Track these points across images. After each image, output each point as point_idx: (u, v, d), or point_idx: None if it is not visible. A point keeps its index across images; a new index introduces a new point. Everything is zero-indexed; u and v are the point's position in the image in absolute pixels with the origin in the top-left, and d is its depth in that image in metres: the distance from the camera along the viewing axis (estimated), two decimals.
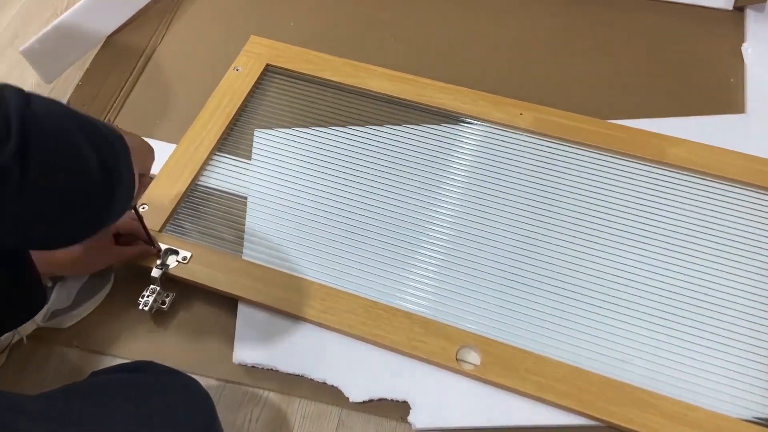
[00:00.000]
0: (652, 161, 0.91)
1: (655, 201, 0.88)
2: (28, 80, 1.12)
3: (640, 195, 0.88)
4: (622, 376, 0.75)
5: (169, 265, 0.85)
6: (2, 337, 0.80)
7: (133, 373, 0.69)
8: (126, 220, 0.82)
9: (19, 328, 0.80)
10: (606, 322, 0.79)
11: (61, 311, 0.82)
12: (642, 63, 1.06)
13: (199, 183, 0.94)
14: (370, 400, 0.78)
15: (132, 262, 0.85)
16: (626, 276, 0.82)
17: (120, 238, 0.83)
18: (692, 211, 0.86)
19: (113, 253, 0.83)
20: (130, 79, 1.09)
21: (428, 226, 0.88)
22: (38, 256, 0.68)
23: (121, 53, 1.12)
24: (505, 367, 0.76)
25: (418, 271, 0.84)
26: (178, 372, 0.70)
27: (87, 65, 1.11)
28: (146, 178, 0.73)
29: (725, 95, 1.01)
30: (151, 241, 0.84)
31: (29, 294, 0.71)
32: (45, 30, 1.03)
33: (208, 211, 0.92)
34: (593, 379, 0.74)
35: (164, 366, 0.71)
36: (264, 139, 0.98)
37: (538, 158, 0.93)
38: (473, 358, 0.77)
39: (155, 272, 0.84)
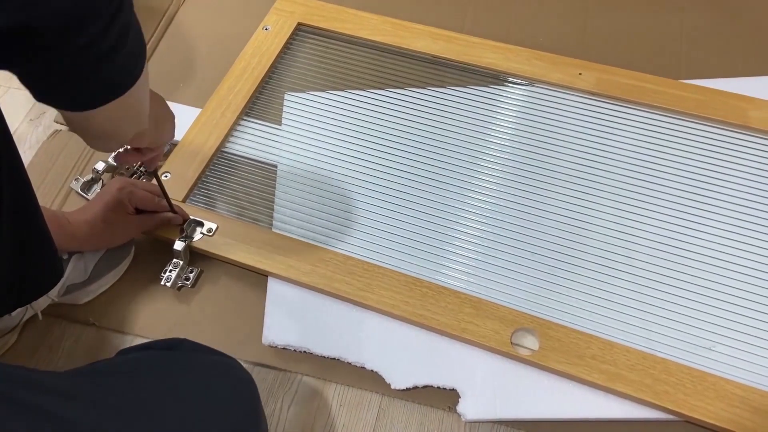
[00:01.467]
0: (733, 125, 0.81)
1: (737, 170, 0.78)
2: None
3: (720, 164, 0.78)
4: (704, 365, 0.66)
5: (193, 238, 0.78)
6: (14, 313, 0.74)
7: (166, 350, 0.62)
8: (146, 195, 0.76)
9: (32, 303, 0.73)
10: (684, 303, 0.70)
11: (77, 286, 0.76)
12: (718, 15, 0.95)
13: (226, 150, 0.86)
14: (414, 388, 0.70)
15: (154, 233, 0.78)
16: (707, 252, 0.73)
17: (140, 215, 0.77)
18: None
19: (133, 223, 0.76)
20: (152, 40, 1.01)
21: (475, 197, 0.79)
22: (56, 231, 0.61)
23: (142, 12, 1.04)
24: (567, 353, 0.67)
25: (467, 246, 0.76)
26: (216, 351, 0.63)
27: None
28: (163, 146, 0.68)
29: None
30: (174, 211, 0.77)
31: (45, 266, 0.65)
32: None
33: (235, 180, 0.84)
34: (671, 368, 0.65)
35: (200, 344, 0.63)
36: (295, 103, 0.90)
37: (600, 123, 0.83)
38: (530, 342, 0.69)
39: (178, 245, 0.76)
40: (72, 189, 0.86)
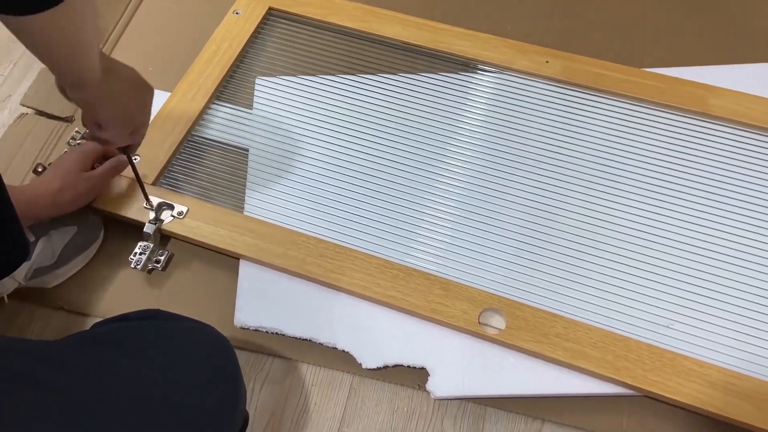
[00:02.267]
0: (693, 113, 0.83)
1: (697, 156, 0.80)
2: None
3: (680, 149, 0.81)
4: (663, 342, 0.68)
5: (163, 220, 0.77)
6: None
7: (140, 321, 0.63)
8: (100, 145, 0.76)
9: None
10: (644, 283, 0.72)
11: (45, 269, 0.75)
12: (681, 6, 0.97)
13: (196, 134, 0.86)
14: (385, 367, 0.71)
15: (123, 214, 0.78)
16: (665, 235, 0.75)
17: None
18: (738, 167, 0.79)
19: (85, 180, 0.75)
20: (120, 23, 1.00)
21: (445, 181, 0.81)
22: (18, 198, 0.60)
23: None
24: (532, 331, 0.69)
25: (437, 229, 0.77)
26: (188, 318, 0.63)
27: None
28: (146, 124, 0.68)
29: None
30: (146, 194, 0.77)
31: (10, 243, 0.64)
32: None
33: (207, 163, 0.84)
34: (631, 345, 0.68)
35: (172, 313, 0.64)
36: (266, 88, 0.90)
37: (565, 109, 0.85)
38: (498, 322, 0.71)
39: (148, 228, 0.76)
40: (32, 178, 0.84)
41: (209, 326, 0.63)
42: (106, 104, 0.61)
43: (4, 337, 0.55)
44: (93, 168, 0.77)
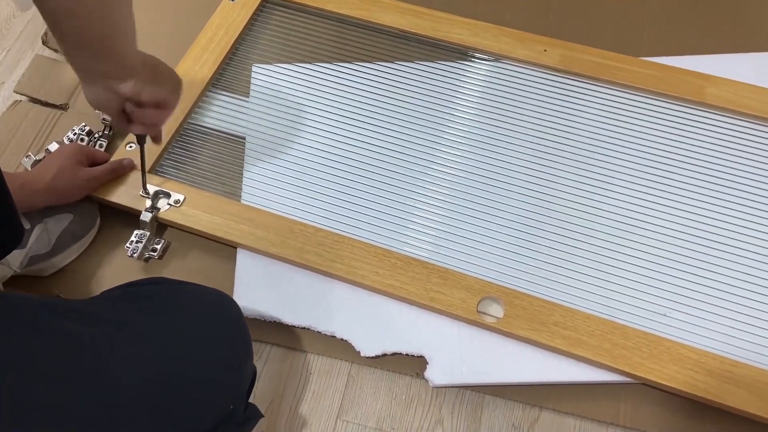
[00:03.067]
0: (690, 102, 0.83)
1: (693, 144, 0.81)
2: (4, 10, 1.02)
3: (677, 138, 0.81)
4: (660, 330, 0.69)
5: (159, 209, 0.77)
6: None
7: (149, 285, 0.65)
8: (101, 152, 0.79)
9: None
10: (642, 272, 0.73)
11: (41, 257, 0.75)
12: None
13: (193, 122, 0.86)
14: (383, 355, 0.71)
15: (117, 203, 0.77)
16: (663, 223, 0.75)
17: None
18: (734, 156, 0.80)
19: (82, 172, 0.75)
20: None
21: (443, 170, 0.81)
22: (12, 183, 0.60)
23: None
24: (530, 320, 0.69)
25: (435, 218, 0.77)
26: (195, 283, 0.66)
27: None
28: (170, 112, 0.68)
29: None
30: (144, 182, 0.76)
31: (3, 227, 0.63)
32: None
33: (203, 151, 0.84)
34: (628, 333, 0.68)
35: (178, 280, 0.67)
36: (263, 75, 0.89)
37: (563, 98, 0.85)
38: (496, 310, 0.71)
39: (145, 216, 0.76)
40: (23, 166, 0.83)
41: (214, 288, 0.65)
42: (147, 83, 0.61)
43: (20, 294, 0.57)
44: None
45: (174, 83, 0.66)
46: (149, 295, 0.62)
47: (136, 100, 0.62)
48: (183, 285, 0.66)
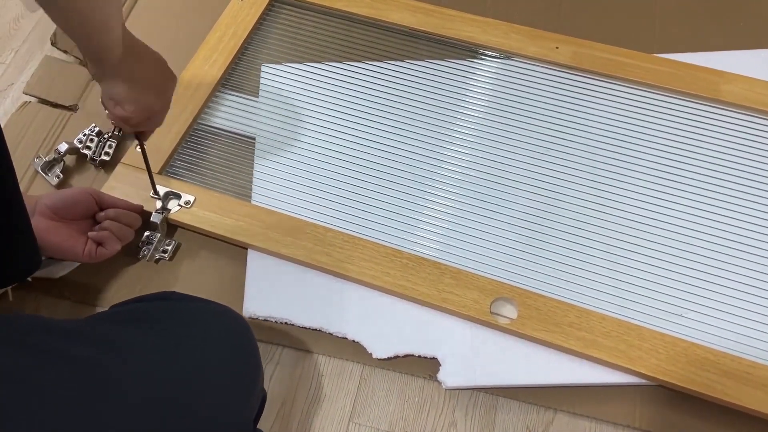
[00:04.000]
0: (704, 98, 0.82)
1: (708, 142, 0.79)
2: (12, 11, 1.02)
3: (691, 135, 0.80)
4: (677, 331, 0.68)
5: (170, 210, 0.77)
6: None
7: (157, 301, 0.63)
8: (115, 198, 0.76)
9: None
10: (657, 272, 0.72)
11: (52, 259, 0.74)
12: None
13: (202, 122, 0.85)
14: (396, 357, 0.70)
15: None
16: (678, 223, 0.74)
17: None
18: (750, 153, 0.78)
19: (82, 230, 0.72)
20: (123, 11, 0.99)
21: (455, 169, 0.80)
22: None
23: None
24: (544, 321, 0.68)
25: (447, 218, 0.76)
26: (204, 299, 0.64)
27: None
28: (164, 112, 0.68)
29: None
30: (154, 185, 0.76)
31: (24, 251, 0.65)
32: None
33: (213, 152, 0.83)
34: (644, 334, 0.67)
35: (187, 294, 0.65)
36: (272, 75, 0.89)
37: (575, 95, 0.84)
38: (509, 311, 0.70)
39: (155, 217, 0.76)
40: (33, 167, 0.83)
41: (224, 306, 0.63)
42: (123, 82, 0.61)
43: (28, 316, 0.56)
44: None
45: (158, 88, 0.66)
46: (156, 315, 0.59)
47: (110, 97, 0.62)
48: (191, 302, 0.63)
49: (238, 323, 0.62)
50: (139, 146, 0.73)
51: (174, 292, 0.65)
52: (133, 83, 0.62)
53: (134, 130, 0.68)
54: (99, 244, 0.72)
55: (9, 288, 0.73)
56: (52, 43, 0.95)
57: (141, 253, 0.75)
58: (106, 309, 0.74)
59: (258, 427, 0.63)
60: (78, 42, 0.58)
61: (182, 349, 0.55)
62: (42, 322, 0.56)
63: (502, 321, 0.69)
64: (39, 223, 0.69)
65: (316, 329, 0.72)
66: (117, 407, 0.50)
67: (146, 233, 0.76)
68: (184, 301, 0.63)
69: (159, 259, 0.77)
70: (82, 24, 0.54)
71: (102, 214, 0.73)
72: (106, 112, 0.65)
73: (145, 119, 0.66)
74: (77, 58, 0.94)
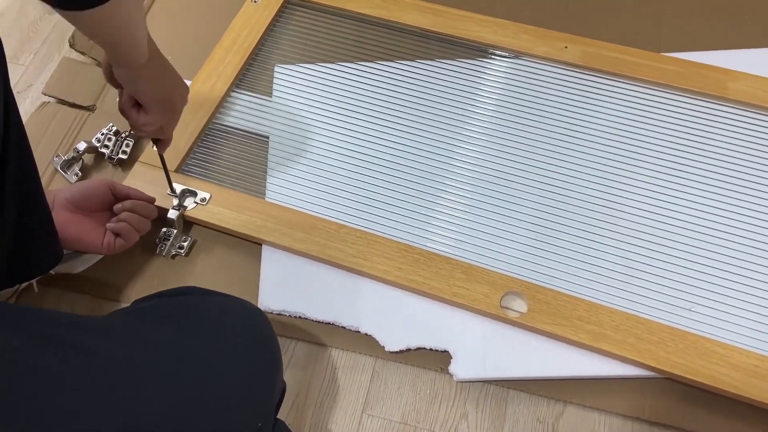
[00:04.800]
0: (711, 97, 0.83)
1: (715, 139, 0.81)
2: (31, 14, 1.04)
3: (699, 133, 0.81)
4: (685, 325, 0.69)
5: (186, 207, 0.78)
6: None
7: (178, 296, 0.64)
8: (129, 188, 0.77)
9: None
10: (666, 266, 0.73)
11: (72, 255, 0.76)
12: None
13: (217, 121, 0.87)
14: (408, 350, 0.72)
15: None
16: (686, 218, 0.75)
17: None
18: (757, 150, 0.79)
19: (101, 222, 0.74)
20: None
21: (465, 166, 0.81)
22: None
23: None
24: (554, 314, 0.70)
25: (457, 214, 0.78)
26: (223, 293, 0.65)
27: None
28: (177, 118, 0.70)
29: None
30: (171, 184, 0.78)
31: (46, 245, 0.67)
32: None
33: (228, 150, 0.85)
34: (653, 328, 0.68)
35: (207, 289, 0.66)
36: (285, 75, 0.91)
37: (584, 95, 0.85)
38: (519, 305, 0.71)
39: (172, 213, 0.77)
40: (53, 166, 0.85)
41: (243, 300, 0.64)
42: (149, 83, 0.63)
43: (51, 311, 0.57)
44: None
45: (177, 93, 0.68)
46: (178, 310, 0.61)
47: (135, 101, 0.65)
48: (211, 297, 0.64)
49: (259, 317, 0.63)
50: (155, 146, 0.75)
51: (194, 287, 0.66)
52: (157, 83, 0.64)
53: (154, 135, 0.70)
54: (117, 235, 0.74)
55: (34, 281, 0.75)
56: (71, 45, 0.97)
57: (158, 249, 0.77)
58: (125, 304, 0.76)
59: (277, 417, 0.64)
60: (106, 49, 0.60)
61: (206, 343, 0.56)
62: (68, 318, 0.58)
63: (512, 315, 0.70)
64: (59, 216, 0.71)
65: (329, 323, 0.73)
66: (143, 401, 0.51)
67: (163, 230, 0.78)
68: (205, 295, 0.64)
69: (175, 255, 0.78)
70: (111, 35, 0.56)
71: (119, 205, 0.75)
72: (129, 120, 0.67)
73: (166, 121, 0.68)
74: (95, 59, 0.96)
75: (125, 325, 0.57)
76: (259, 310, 0.64)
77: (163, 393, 0.51)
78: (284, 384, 0.64)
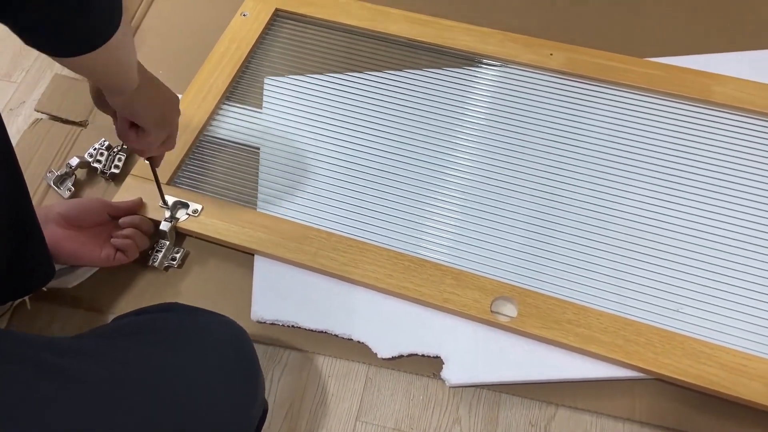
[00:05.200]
0: (696, 101, 0.84)
1: (701, 143, 0.82)
2: None
3: (685, 137, 0.82)
4: (672, 326, 0.70)
5: (179, 219, 0.79)
6: None
7: (159, 313, 0.64)
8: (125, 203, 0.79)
9: None
10: (652, 269, 0.73)
11: (65, 270, 0.77)
12: None
13: (208, 133, 0.88)
14: (400, 356, 0.72)
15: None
16: (672, 220, 0.76)
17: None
18: (742, 153, 0.80)
19: (98, 236, 0.76)
20: (131, 26, 1.02)
21: (454, 174, 0.82)
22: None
23: None
24: (544, 318, 0.70)
25: (446, 221, 0.79)
26: (206, 310, 0.65)
27: None
28: (175, 133, 0.70)
29: None
30: (163, 196, 0.78)
31: (38, 262, 0.68)
32: None
33: (219, 162, 0.86)
34: (641, 329, 0.69)
35: (190, 306, 0.65)
36: (275, 87, 0.92)
37: (570, 101, 0.87)
38: (509, 310, 0.72)
39: (164, 225, 0.78)
40: (45, 182, 0.86)
41: (226, 318, 0.64)
42: (143, 105, 0.63)
43: (26, 334, 0.57)
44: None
45: (171, 110, 0.68)
46: (157, 328, 0.60)
47: (132, 125, 0.65)
48: (193, 314, 0.64)
49: (240, 336, 0.62)
50: (149, 161, 0.76)
51: (176, 303, 0.66)
52: (153, 104, 0.64)
53: (158, 152, 0.71)
54: (118, 250, 0.75)
55: (27, 297, 0.76)
56: None
57: (150, 261, 0.78)
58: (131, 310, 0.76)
59: (265, 428, 0.64)
60: (97, 82, 0.61)
61: (183, 362, 0.56)
62: (42, 341, 0.57)
63: (502, 319, 0.71)
64: (54, 232, 0.71)
65: (322, 331, 0.74)
66: (116, 422, 0.50)
67: (156, 242, 0.78)
68: (186, 313, 0.64)
69: (168, 267, 0.79)
70: (103, 72, 0.56)
71: (127, 220, 0.76)
72: (127, 144, 0.67)
73: (166, 136, 0.68)
74: None
75: (101, 344, 0.56)
76: (241, 328, 0.64)
77: (137, 413, 0.51)
78: (266, 404, 0.64)
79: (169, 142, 0.71)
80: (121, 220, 0.76)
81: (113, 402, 0.50)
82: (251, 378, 0.60)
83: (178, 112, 0.70)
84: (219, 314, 0.64)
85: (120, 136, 0.66)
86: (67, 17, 0.47)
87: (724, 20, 0.95)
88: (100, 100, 0.64)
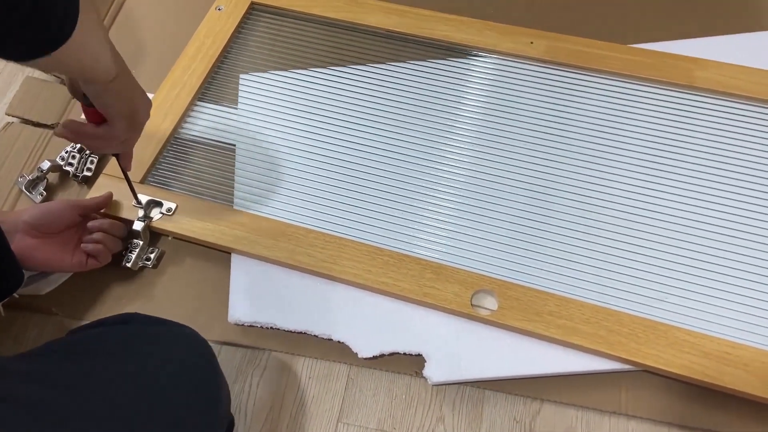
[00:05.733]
0: (679, 86, 0.83)
1: (684, 129, 0.80)
2: None
3: (667, 123, 0.81)
4: (655, 315, 0.68)
5: (152, 218, 0.77)
6: None
7: (118, 325, 0.62)
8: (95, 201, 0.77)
9: None
10: (634, 258, 0.72)
11: (37, 276, 0.75)
12: None
13: (182, 132, 0.86)
14: (381, 355, 0.71)
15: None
16: (655, 208, 0.75)
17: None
18: (726, 137, 0.79)
19: (69, 241, 0.74)
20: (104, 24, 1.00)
21: (433, 167, 0.80)
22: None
23: None
24: (525, 310, 0.69)
25: (425, 215, 0.77)
26: (166, 321, 0.62)
27: None
28: (140, 132, 0.68)
29: (756, 11, 0.92)
30: (135, 194, 0.77)
31: (4, 270, 0.65)
32: None
33: (194, 160, 0.84)
34: (623, 320, 0.68)
35: (150, 316, 0.63)
36: (251, 84, 0.90)
37: (552, 89, 0.85)
38: (490, 303, 0.71)
39: (137, 225, 0.76)
40: (17, 187, 0.84)
41: (188, 328, 0.62)
42: (117, 97, 0.60)
43: None
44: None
45: (143, 105, 0.65)
46: (113, 342, 0.58)
47: (102, 114, 0.63)
48: (152, 327, 0.61)
49: (199, 348, 0.60)
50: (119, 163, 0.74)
51: (136, 314, 0.63)
52: (125, 97, 0.62)
53: (115, 150, 0.69)
54: (90, 255, 0.73)
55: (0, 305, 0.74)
56: None
57: (124, 262, 0.76)
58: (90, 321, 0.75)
59: None
60: (72, 75, 0.59)
61: (138, 379, 0.54)
62: None
63: (483, 313, 0.70)
64: (23, 242, 0.70)
65: (301, 332, 0.72)
66: None
67: (129, 242, 0.77)
68: (144, 324, 0.62)
69: (143, 267, 0.77)
70: (70, 69, 0.55)
71: (95, 224, 0.74)
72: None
73: (129, 136, 0.66)
74: (58, 77, 0.95)
75: (51, 363, 0.54)
76: (202, 339, 0.62)
77: None
78: (231, 417, 0.62)
79: (129, 143, 0.68)
80: (89, 224, 0.74)
81: (62, 421, 0.49)
82: (210, 391, 0.58)
83: (148, 116, 0.68)
84: (179, 325, 0.62)
85: (82, 126, 0.63)
86: (20, 23, 0.44)
87: (706, 4, 0.94)
88: (74, 87, 0.62)
